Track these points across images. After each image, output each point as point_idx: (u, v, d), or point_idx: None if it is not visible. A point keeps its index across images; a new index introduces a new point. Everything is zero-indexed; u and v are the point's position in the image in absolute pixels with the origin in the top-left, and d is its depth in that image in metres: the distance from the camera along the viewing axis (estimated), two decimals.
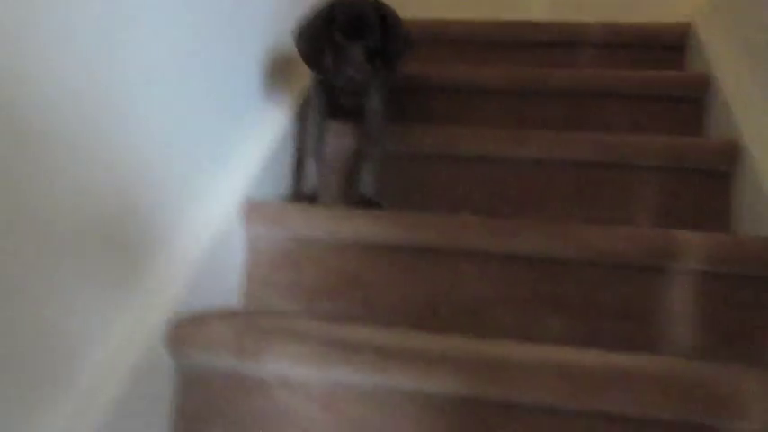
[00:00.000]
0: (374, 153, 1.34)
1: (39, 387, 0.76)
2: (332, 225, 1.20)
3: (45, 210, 0.73)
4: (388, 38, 1.25)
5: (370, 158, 1.33)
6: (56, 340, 0.78)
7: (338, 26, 1.21)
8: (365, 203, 1.29)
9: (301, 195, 1.32)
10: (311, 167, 1.34)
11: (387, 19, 1.25)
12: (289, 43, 1.46)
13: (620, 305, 1.13)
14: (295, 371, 0.95)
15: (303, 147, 1.44)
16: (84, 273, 0.82)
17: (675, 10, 2.01)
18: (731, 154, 1.32)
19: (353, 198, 1.32)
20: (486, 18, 2.06)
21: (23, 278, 0.71)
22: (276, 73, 1.45)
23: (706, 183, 1.35)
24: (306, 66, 1.32)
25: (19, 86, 0.67)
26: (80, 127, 0.78)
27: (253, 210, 1.23)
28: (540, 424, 0.91)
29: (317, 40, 1.24)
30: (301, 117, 1.50)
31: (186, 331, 0.98)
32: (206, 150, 1.14)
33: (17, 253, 0.69)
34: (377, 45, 1.24)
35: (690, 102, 1.60)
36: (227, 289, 1.19)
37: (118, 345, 0.90)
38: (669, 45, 1.88)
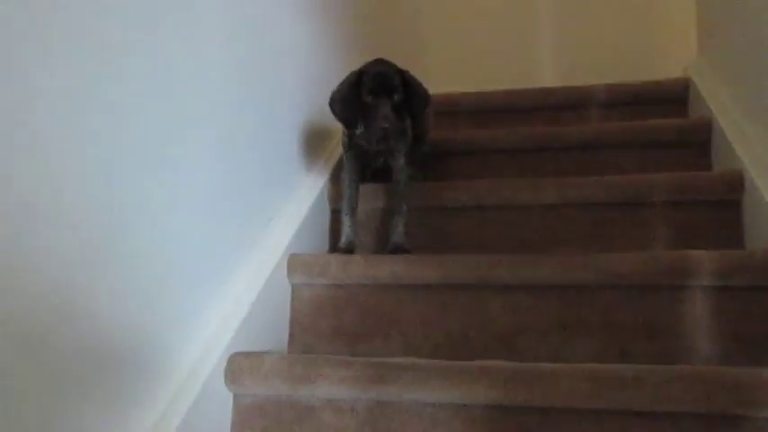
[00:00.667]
0: (403, 207, 1.46)
1: None
2: (368, 270, 1.30)
3: None
4: (409, 94, 1.40)
5: (399, 212, 1.45)
6: None
7: (366, 88, 1.37)
8: (397, 251, 1.39)
9: (339, 249, 1.43)
10: (347, 224, 1.46)
11: (407, 79, 1.41)
12: (320, 118, 1.63)
13: (642, 324, 1.20)
14: (341, 393, 1.03)
15: (339, 207, 1.57)
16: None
17: (674, 65, 2.14)
18: (735, 183, 1.41)
19: (387, 249, 1.43)
20: (504, 88, 2.22)
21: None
22: (310, 144, 1.60)
23: (715, 212, 1.43)
24: (335, 135, 1.47)
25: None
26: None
27: (295, 262, 1.34)
28: (574, 426, 0.97)
29: (350, 103, 1.39)
30: (336, 181, 1.63)
31: (243, 365, 1.07)
32: (254, 215, 1.28)
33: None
34: (401, 100, 1.39)
35: (695, 145, 1.71)
36: (276, 334, 1.28)
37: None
38: (672, 98, 2.00)
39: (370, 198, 1.58)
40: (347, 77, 1.43)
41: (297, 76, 1.55)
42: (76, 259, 0.77)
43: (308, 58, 1.63)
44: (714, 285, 1.19)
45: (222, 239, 1.15)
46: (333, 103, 1.42)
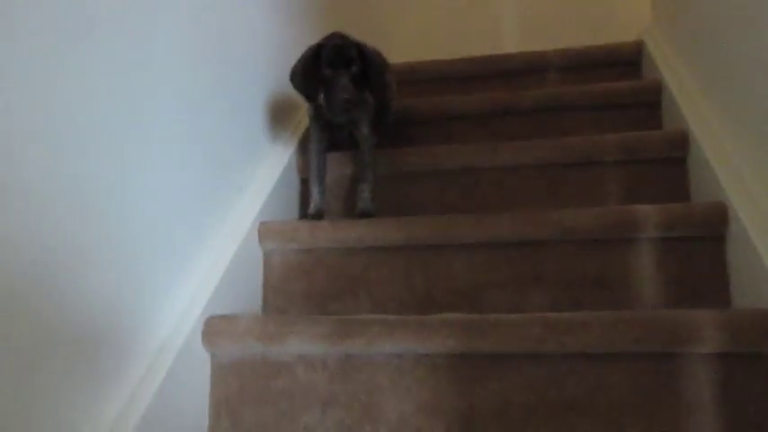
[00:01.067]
0: (368, 174, 1.52)
1: None
2: (335, 234, 1.37)
3: None
4: (367, 64, 1.46)
5: (364, 179, 1.51)
6: None
7: (325, 62, 1.42)
8: (364, 215, 1.46)
9: (308, 215, 1.50)
10: (315, 191, 1.52)
11: (363, 50, 1.46)
12: (285, 91, 1.67)
13: (594, 275, 1.28)
14: (313, 348, 1.10)
15: (308, 176, 1.62)
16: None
17: (628, 30, 2.21)
18: (681, 142, 1.49)
19: (354, 214, 1.49)
20: (464, 56, 2.27)
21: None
22: (276, 116, 1.65)
23: (663, 169, 1.51)
24: (301, 106, 1.51)
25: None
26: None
27: (266, 229, 1.40)
28: (528, 369, 1.05)
29: (309, 76, 1.44)
30: (303, 151, 1.69)
31: (219, 326, 1.14)
32: (224, 185, 1.33)
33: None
34: (359, 71, 1.44)
35: (647, 106, 1.79)
36: (250, 299, 1.35)
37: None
38: (626, 62, 2.08)
39: (337, 166, 1.64)
40: (306, 51, 1.47)
41: (261, 49, 1.59)
42: (54, 232, 0.82)
43: (271, 32, 1.67)
44: (659, 237, 1.27)
45: (194, 210, 1.20)
46: (293, 76, 1.47)
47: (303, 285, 1.38)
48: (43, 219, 0.80)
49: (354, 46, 1.44)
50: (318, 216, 1.49)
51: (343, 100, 1.39)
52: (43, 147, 0.80)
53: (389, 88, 1.66)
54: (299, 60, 1.47)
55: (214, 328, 1.14)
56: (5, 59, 0.75)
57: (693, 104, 1.54)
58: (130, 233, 0.99)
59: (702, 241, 1.27)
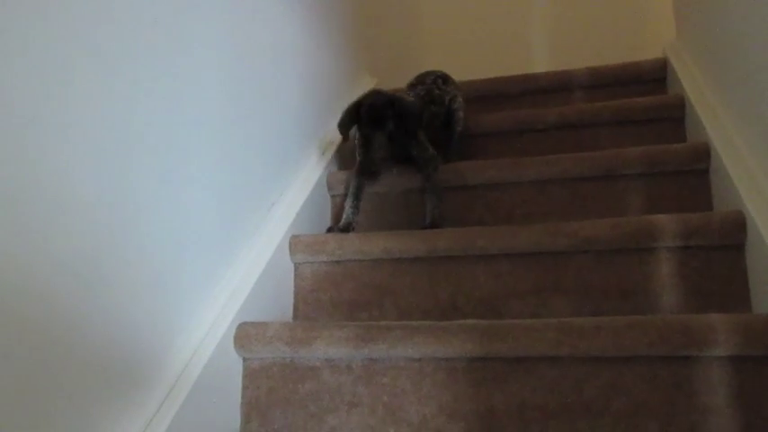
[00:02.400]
0: (435, 189, 1.63)
1: None
2: (362, 246, 1.43)
3: None
4: (402, 118, 1.59)
5: (432, 192, 1.62)
6: None
7: (363, 121, 1.59)
8: (435, 227, 1.53)
9: (334, 228, 1.57)
10: (348, 206, 1.61)
11: (398, 107, 1.60)
12: (317, 112, 1.76)
13: (613, 285, 1.31)
14: (338, 352, 1.16)
15: (338, 193, 1.70)
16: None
17: (656, 47, 2.24)
18: (702, 154, 1.51)
19: (423, 226, 1.57)
20: (493, 76, 2.32)
21: None
22: (308, 137, 1.73)
23: (686, 180, 1.53)
24: (332, 128, 1.60)
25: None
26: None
27: (296, 242, 1.47)
28: (544, 372, 1.09)
29: (349, 129, 1.67)
30: (334, 170, 1.77)
31: (249, 331, 1.20)
32: (258, 202, 1.41)
33: None
34: (395, 127, 1.58)
35: (671, 121, 1.81)
36: (281, 308, 1.41)
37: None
38: (652, 78, 2.11)
39: (398, 180, 1.71)
40: (349, 107, 1.64)
41: (297, 68, 1.68)
42: (97, 244, 0.90)
43: (307, 57, 1.76)
44: (678, 246, 1.30)
45: (227, 225, 1.28)
46: (340, 128, 1.65)
47: (332, 295, 1.44)
48: (86, 228, 0.88)
49: (389, 104, 1.58)
50: (346, 229, 1.55)
51: (378, 159, 1.56)
52: (67, 157, 0.89)
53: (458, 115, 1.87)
54: (343, 114, 1.64)
55: (245, 334, 1.20)
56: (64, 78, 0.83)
57: (714, 118, 1.56)
58: (165, 247, 1.06)
59: (721, 250, 1.29)
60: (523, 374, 1.10)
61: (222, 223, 1.26)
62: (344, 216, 1.59)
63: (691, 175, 1.54)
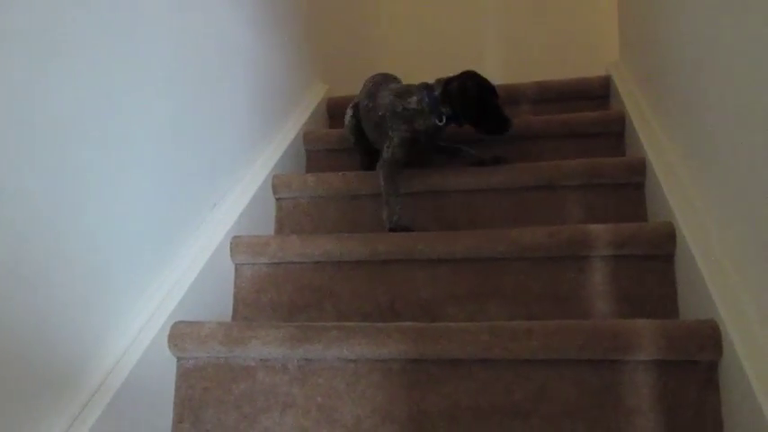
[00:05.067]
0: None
1: None
2: (304, 248, 1.43)
3: None
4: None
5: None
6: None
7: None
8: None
9: (394, 227, 1.54)
10: (394, 203, 1.57)
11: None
12: (264, 116, 1.76)
13: (548, 291, 1.34)
14: (273, 352, 1.15)
15: (284, 196, 1.70)
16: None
17: (601, 65, 2.31)
18: (639, 168, 1.56)
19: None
20: None
21: None
22: (255, 138, 1.72)
23: (623, 193, 1.58)
24: (280, 130, 1.60)
25: None
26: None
27: (238, 243, 1.46)
28: (476, 374, 1.10)
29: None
30: (280, 172, 1.76)
31: (184, 330, 1.19)
32: (199, 201, 1.39)
33: None
34: None
35: (612, 136, 1.87)
36: (220, 309, 1.40)
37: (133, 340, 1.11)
38: (596, 94, 2.16)
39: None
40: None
41: (246, 74, 1.68)
42: (24, 235, 0.88)
43: (256, 62, 1.76)
44: (610, 255, 1.34)
45: (168, 222, 1.27)
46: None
47: (272, 297, 1.44)
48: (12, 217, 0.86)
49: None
50: (407, 228, 1.53)
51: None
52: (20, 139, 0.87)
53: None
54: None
55: (180, 333, 1.19)
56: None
57: (651, 134, 1.61)
58: (98, 243, 1.04)
59: (652, 260, 1.33)
60: (456, 376, 1.11)
61: (161, 222, 1.24)
62: (396, 215, 1.56)
63: (628, 188, 1.59)
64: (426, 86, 1.67)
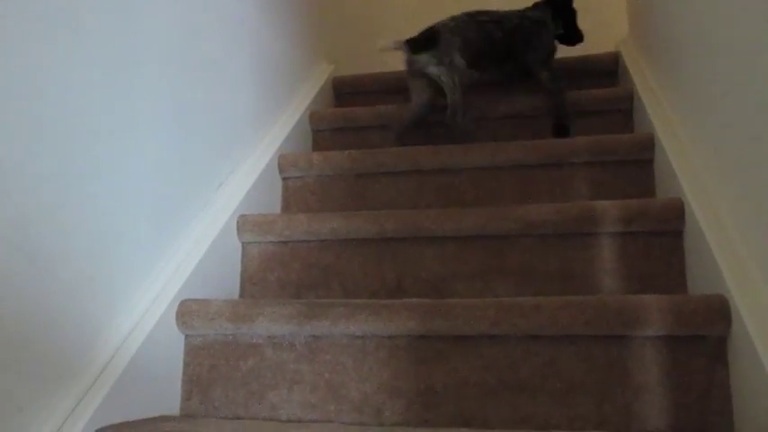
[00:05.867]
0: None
1: None
2: (311, 227, 1.42)
3: None
4: None
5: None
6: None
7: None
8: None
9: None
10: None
11: None
12: (270, 94, 1.75)
13: (556, 268, 1.33)
14: (280, 329, 1.16)
15: (290, 175, 1.72)
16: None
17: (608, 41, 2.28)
18: (647, 144, 1.55)
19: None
20: None
21: None
22: (261, 118, 1.71)
23: (631, 169, 1.57)
24: (285, 110, 1.60)
25: None
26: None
27: (244, 222, 1.46)
28: (484, 350, 1.10)
29: None
30: (286, 151, 1.76)
31: (192, 308, 1.19)
32: (206, 179, 1.39)
33: None
34: None
35: (621, 113, 1.85)
36: (227, 288, 1.40)
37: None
38: (605, 71, 2.14)
39: None
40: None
41: (250, 53, 1.67)
42: (30, 215, 0.88)
43: (261, 40, 1.75)
44: (619, 231, 1.33)
45: (173, 202, 1.27)
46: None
47: (279, 276, 1.44)
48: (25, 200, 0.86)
49: None
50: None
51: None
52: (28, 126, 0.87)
53: None
54: None
55: (187, 310, 1.19)
56: None
57: (660, 110, 1.59)
58: (104, 219, 1.05)
59: (661, 236, 1.32)
60: (463, 352, 1.11)
61: (166, 202, 1.25)
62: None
63: (636, 165, 1.57)
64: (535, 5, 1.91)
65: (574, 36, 1.94)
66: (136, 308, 1.13)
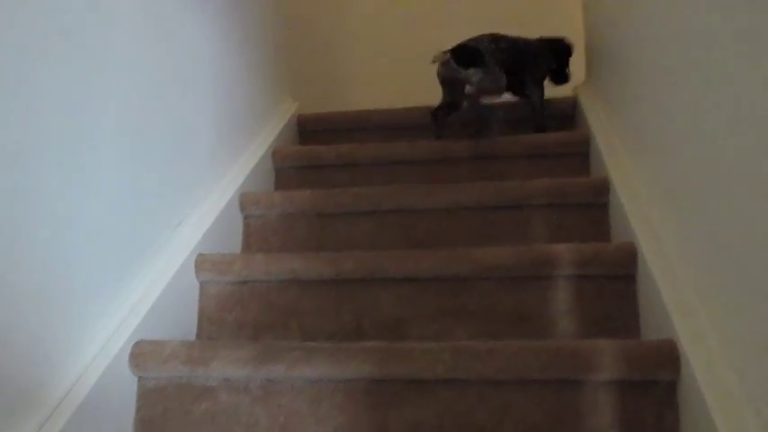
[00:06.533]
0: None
1: None
2: (269, 267, 1.42)
3: None
4: None
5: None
6: None
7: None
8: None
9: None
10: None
11: None
12: (234, 132, 1.75)
13: (513, 311, 1.35)
14: (235, 372, 1.14)
15: (251, 213, 1.71)
16: None
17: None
18: (602, 188, 1.58)
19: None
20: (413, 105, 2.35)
21: None
22: (223, 155, 1.72)
23: (588, 213, 1.60)
24: (248, 147, 1.60)
25: None
26: None
27: (203, 261, 1.45)
28: (440, 394, 1.10)
29: None
30: (249, 188, 1.76)
31: (146, 349, 1.17)
32: (164, 218, 1.38)
33: None
34: None
35: (578, 155, 1.89)
36: (184, 328, 1.38)
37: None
38: (564, 114, 2.20)
39: None
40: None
41: (213, 91, 1.67)
42: None
43: (225, 75, 1.75)
44: (574, 274, 1.35)
45: (131, 241, 1.26)
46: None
47: (237, 316, 1.43)
48: None
49: None
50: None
51: None
52: None
53: None
54: None
55: (141, 352, 1.17)
56: None
57: (614, 154, 1.64)
58: (57, 256, 1.03)
59: (615, 279, 1.34)
60: (420, 396, 1.11)
61: (124, 239, 1.23)
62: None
63: (592, 208, 1.61)
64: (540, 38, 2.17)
65: (561, 76, 2.18)
66: (89, 349, 1.11)
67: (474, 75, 1.92)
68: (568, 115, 2.19)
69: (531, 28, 2.34)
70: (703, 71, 1.03)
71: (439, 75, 2.00)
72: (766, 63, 0.81)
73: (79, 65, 1.09)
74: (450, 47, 1.92)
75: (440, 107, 2.07)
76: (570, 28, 2.35)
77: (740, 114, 0.90)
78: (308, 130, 2.33)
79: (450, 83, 2.00)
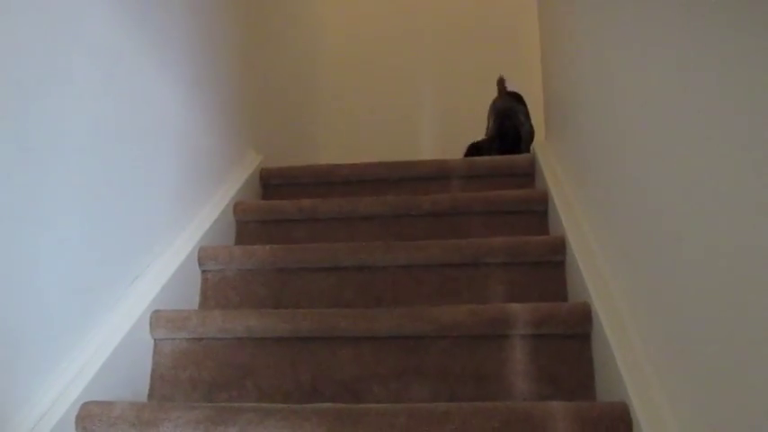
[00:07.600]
0: None
1: None
2: (225, 324, 1.40)
3: None
4: None
5: None
6: None
7: None
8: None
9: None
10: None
11: None
12: (192, 188, 1.75)
13: (470, 370, 1.35)
14: None
15: (209, 268, 1.69)
16: None
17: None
18: (559, 246, 1.61)
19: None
20: (379, 160, 2.37)
21: None
22: (181, 209, 1.71)
23: (545, 271, 1.62)
24: (208, 202, 1.60)
25: None
26: None
27: (158, 317, 1.42)
28: None
29: None
30: (207, 243, 1.75)
31: (93, 411, 1.14)
32: (119, 273, 1.36)
33: None
34: None
35: (537, 214, 1.93)
36: (136, 387, 1.35)
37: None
38: (524, 173, 2.24)
39: None
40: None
41: (175, 145, 1.67)
42: None
43: (186, 127, 1.76)
44: (530, 334, 1.36)
45: (84, 296, 1.24)
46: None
47: (191, 374, 1.40)
48: None
49: None
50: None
51: None
52: None
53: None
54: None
55: (88, 414, 1.14)
56: None
57: (571, 213, 1.68)
58: (8, 319, 1.01)
59: (570, 339, 1.36)
60: None
61: (76, 295, 1.21)
62: None
63: (549, 266, 1.63)
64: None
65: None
66: (34, 411, 1.08)
67: (519, 111, 2.60)
68: (528, 173, 2.24)
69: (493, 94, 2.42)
70: (650, 136, 1.07)
71: None
72: (715, 132, 0.84)
73: (36, 124, 1.09)
74: None
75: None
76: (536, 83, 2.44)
77: (687, 179, 0.93)
78: (272, 183, 2.33)
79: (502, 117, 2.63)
